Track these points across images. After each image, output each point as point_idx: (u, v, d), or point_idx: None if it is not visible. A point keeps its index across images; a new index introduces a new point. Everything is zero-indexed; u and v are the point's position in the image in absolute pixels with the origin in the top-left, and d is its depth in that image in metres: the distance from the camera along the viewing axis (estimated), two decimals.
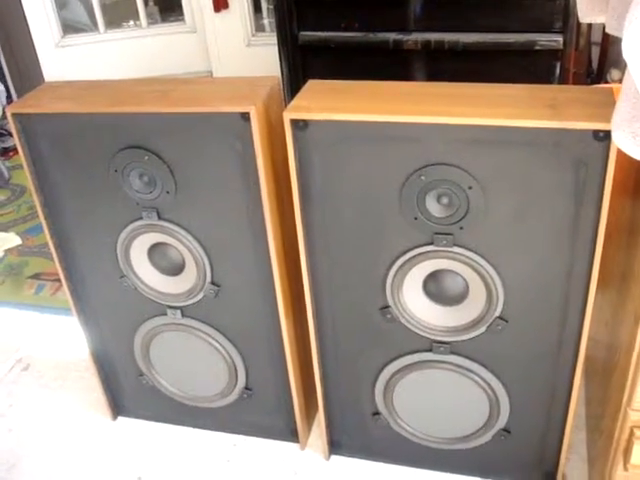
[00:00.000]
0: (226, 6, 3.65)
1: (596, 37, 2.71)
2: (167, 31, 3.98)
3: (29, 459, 1.73)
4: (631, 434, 1.25)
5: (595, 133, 1.04)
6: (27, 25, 3.77)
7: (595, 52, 2.79)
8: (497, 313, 1.27)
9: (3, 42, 3.69)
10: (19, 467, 1.71)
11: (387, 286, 1.30)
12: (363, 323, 1.39)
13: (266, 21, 3.81)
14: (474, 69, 2.22)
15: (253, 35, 3.77)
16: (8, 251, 2.71)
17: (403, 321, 1.33)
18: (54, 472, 1.69)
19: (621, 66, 2.61)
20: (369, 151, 1.17)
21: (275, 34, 2.54)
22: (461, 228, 1.19)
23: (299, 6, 2.40)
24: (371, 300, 1.34)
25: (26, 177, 1.43)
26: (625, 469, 1.28)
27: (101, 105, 1.30)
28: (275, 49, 2.56)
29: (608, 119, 1.01)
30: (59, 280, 1.59)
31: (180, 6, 3.93)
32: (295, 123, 1.18)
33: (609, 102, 1.09)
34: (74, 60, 3.96)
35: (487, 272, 1.22)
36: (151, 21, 4.03)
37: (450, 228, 1.19)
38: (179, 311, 1.52)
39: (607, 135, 1.03)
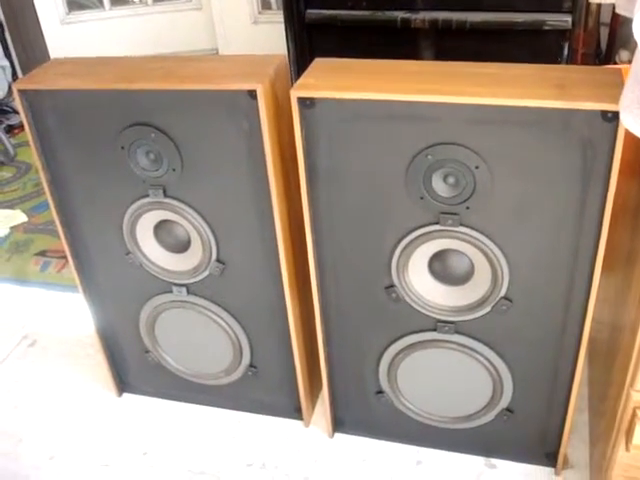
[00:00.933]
0: None
1: (605, 17, 2.69)
2: (173, 8, 3.95)
3: (35, 435, 1.75)
4: (634, 415, 1.25)
5: (603, 114, 1.04)
6: (32, 2, 3.75)
7: (604, 33, 2.77)
8: (502, 293, 1.27)
9: (9, 19, 3.67)
10: (25, 442, 1.73)
11: (392, 265, 1.30)
12: (368, 302, 1.39)
13: None
14: (481, 48, 2.20)
15: (259, 12, 3.74)
16: (14, 228, 2.72)
17: (408, 300, 1.34)
18: (60, 448, 1.70)
19: (630, 47, 2.59)
20: (376, 130, 1.16)
21: (281, 12, 2.52)
22: (467, 208, 1.19)
23: None
24: (376, 279, 1.34)
25: (31, 154, 1.43)
26: (627, 450, 1.29)
27: (108, 82, 1.30)
28: (281, 27, 2.55)
29: (617, 100, 1.01)
30: (65, 257, 1.60)
31: None
32: (302, 101, 1.17)
33: (618, 83, 1.09)
34: (79, 37, 3.95)
35: (492, 252, 1.22)
36: None
37: (456, 208, 1.19)
38: (185, 288, 1.52)
39: (615, 116, 1.03)
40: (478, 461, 1.57)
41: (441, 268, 1.30)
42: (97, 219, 1.49)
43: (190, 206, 1.38)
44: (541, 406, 1.44)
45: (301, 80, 1.21)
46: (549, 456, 1.52)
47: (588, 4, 2.14)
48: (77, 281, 1.62)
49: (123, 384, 1.83)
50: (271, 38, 3.38)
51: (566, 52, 2.17)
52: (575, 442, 1.57)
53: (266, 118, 1.21)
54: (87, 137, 1.37)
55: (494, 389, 1.43)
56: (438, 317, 1.35)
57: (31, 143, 1.41)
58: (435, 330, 1.37)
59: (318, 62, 1.30)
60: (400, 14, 2.26)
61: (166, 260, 1.49)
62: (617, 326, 1.39)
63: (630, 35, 0.90)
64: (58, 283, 2.32)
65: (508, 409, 1.46)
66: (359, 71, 1.24)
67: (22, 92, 1.35)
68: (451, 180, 1.17)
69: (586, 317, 1.26)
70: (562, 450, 1.49)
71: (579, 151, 1.09)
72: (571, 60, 2.18)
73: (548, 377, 1.39)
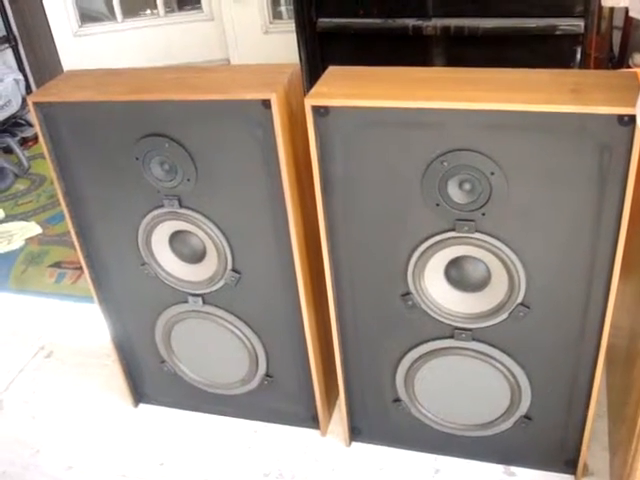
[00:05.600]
0: None
1: (617, 21, 2.68)
2: (184, 19, 3.98)
3: (52, 445, 1.75)
4: None
5: (619, 118, 1.03)
6: (45, 15, 3.79)
7: (616, 36, 2.76)
8: (519, 300, 1.26)
9: (22, 32, 3.70)
10: (43, 453, 1.73)
11: (409, 273, 1.30)
12: (384, 310, 1.38)
13: (283, 8, 3.80)
14: (494, 55, 2.20)
15: (271, 22, 3.76)
16: (29, 240, 2.73)
17: (424, 308, 1.33)
18: (77, 458, 1.70)
19: None
20: (391, 137, 1.16)
21: (292, 21, 2.53)
22: (483, 214, 1.18)
23: None
24: (392, 287, 1.34)
25: (45, 166, 1.45)
26: None
27: (122, 93, 1.30)
28: (292, 36, 2.56)
29: (633, 103, 1.00)
30: (80, 268, 1.60)
31: None
32: (316, 110, 1.17)
33: (633, 86, 1.08)
34: (92, 49, 3.98)
35: (509, 258, 1.21)
36: (168, 9, 4.03)
37: (472, 214, 1.19)
38: (200, 298, 1.52)
39: (632, 119, 1.02)
40: (497, 469, 1.56)
41: (457, 275, 1.29)
42: (112, 230, 1.50)
43: (205, 216, 1.38)
44: (560, 413, 1.43)
45: (315, 88, 1.21)
46: (568, 463, 1.50)
47: (600, 8, 2.13)
48: (93, 292, 1.62)
49: (139, 394, 1.83)
50: (282, 48, 3.39)
51: (579, 57, 2.16)
52: (595, 449, 1.56)
53: (280, 127, 1.21)
54: (102, 148, 1.38)
55: (512, 396, 1.42)
56: (455, 324, 1.34)
57: (46, 155, 1.42)
58: (452, 337, 1.36)
59: (332, 70, 1.30)
60: (412, 21, 2.26)
61: (181, 270, 1.49)
62: (636, 331, 1.38)
63: None
64: (73, 294, 2.33)
65: (526, 416, 1.45)
66: (373, 79, 1.24)
67: (37, 104, 1.36)
68: (467, 186, 1.16)
69: (604, 323, 1.25)
70: (582, 457, 1.47)
71: (595, 156, 1.08)
72: (584, 64, 2.18)
73: (567, 384, 1.38)
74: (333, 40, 2.42)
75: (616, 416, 1.54)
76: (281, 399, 1.66)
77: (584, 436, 1.43)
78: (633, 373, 1.37)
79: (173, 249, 1.48)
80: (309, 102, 1.17)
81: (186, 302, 1.54)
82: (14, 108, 3.43)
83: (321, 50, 2.46)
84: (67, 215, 1.50)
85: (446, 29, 2.22)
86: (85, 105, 1.33)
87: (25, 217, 2.92)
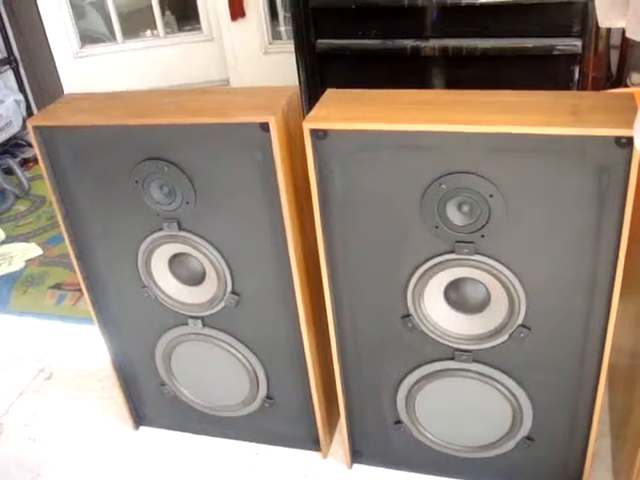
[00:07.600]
0: (243, 14, 3.67)
1: (615, 40, 2.69)
2: (184, 40, 4.01)
3: (53, 468, 1.74)
4: None
5: (617, 139, 1.04)
6: (46, 36, 3.81)
7: (614, 55, 2.77)
8: (519, 321, 1.26)
9: (22, 53, 3.72)
10: (43, 476, 1.72)
11: (408, 294, 1.30)
12: (384, 332, 1.38)
13: (283, 29, 3.82)
14: (492, 75, 2.21)
15: (270, 43, 3.78)
16: (29, 261, 2.73)
17: (425, 329, 1.33)
18: None
19: None
20: (389, 160, 1.16)
21: (292, 42, 2.54)
22: (482, 236, 1.18)
23: (316, 14, 2.41)
24: (392, 309, 1.34)
25: (45, 187, 1.44)
26: None
27: (121, 117, 1.31)
28: (292, 57, 2.57)
29: (630, 125, 1.00)
30: (80, 290, 1.60)
31: (197, 15, 3.95)
32: (315, 133, 1.18)
33: (630, 107, 1.09)
34: (93, 70, 4.00)
35: (509, 280, 1.21)
36: (168, 30, 4.06)
37: (471, 236, 1.19)
38: (200, 321, 1.52)
39: (629, 141, 1.02)
40: None
41: (457, 297, 1.29)
42: (112, 253, 1.50)
43: (204, 239, 1.38)
44: (562, 434, 1.42)
45: (313, 112, 1.22)
46: None
47: (598, 28, 2.14)
48: (92, 314, 1.62)
49: (139, 417, 1.82)
50: (282, 68, 3.41)
51: (577, 76, 2.17)
52: (598, 469, 1.54)
53: (279, 150, 1.21)
54: (101, 171, 1.38)
55: (514, 417, 1.41)
56: (455, 346, 1.34)
57: (46, 178, 1.42)
58: (453, 359, 1.36)
59: (330, 93, 1.31)
60: (410, 42, 2.28)
61: (181, 293, 1.49)
62: (637, 350, 1.37)
63: None
64: (74, 316, 2.33)
65: (528, 437, 1.44)
66: (371, 101, 1.24)
67: (37, 128, 1.36)
68: (465, 209, 1.16)
69: (605, 342, 1.25)
70: (585, 478, 1.46)
71: (594, 177, 1.08)
72: (582, 84, 2.19)
73: (569, 404, 1.37)
74: (332, 61, 2.44)
75: (619, 435, 1.53)
76: (282, 421, 1.66)
77: (587, 456, 1.43)
78: (635, 392, 1.36)
79: (173, 272, 1.48)
80: (307, 125, 1.17)
81: (186, 324, 1.54)
82: (15, 129, 3.45)
83: (320, 70, 2.48)
84: (67, 238, 1.50)
85: (444, 49, 2.24)
86: (84, 129, 1.33)
87: (25, 238, 2.93)
